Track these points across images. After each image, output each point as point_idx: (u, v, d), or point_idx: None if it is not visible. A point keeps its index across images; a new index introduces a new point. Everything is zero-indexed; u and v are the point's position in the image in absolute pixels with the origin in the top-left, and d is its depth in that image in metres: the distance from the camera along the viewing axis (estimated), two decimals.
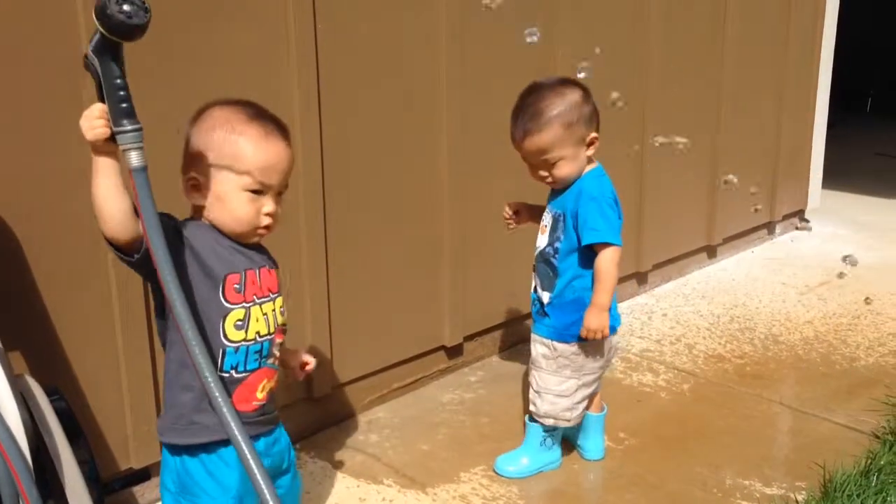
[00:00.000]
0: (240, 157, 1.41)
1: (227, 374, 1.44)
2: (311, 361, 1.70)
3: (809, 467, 2.15)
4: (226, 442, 1.42)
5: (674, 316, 3.27)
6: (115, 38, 1.20)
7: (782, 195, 4.22)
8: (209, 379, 1.25)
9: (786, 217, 4.35)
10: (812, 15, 4.15)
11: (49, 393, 1.35)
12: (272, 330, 1.50)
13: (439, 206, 2.55)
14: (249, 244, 1.49)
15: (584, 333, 2.02)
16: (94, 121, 1.25)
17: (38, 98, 1.69)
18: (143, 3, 1.19)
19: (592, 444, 2.25)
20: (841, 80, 4.45)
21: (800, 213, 4.50)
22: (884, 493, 1.97)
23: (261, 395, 1.49)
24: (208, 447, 1.45)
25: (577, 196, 2.02)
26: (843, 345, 2.99)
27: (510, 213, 2.23)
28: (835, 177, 4.80)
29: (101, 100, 1.25)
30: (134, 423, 1.92)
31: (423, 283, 2.58)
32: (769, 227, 4.26)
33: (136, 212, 1.28)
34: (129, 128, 1.24)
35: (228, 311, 1.43)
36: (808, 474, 2.13)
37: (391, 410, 2.50)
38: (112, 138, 1.25)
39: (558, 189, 2.07)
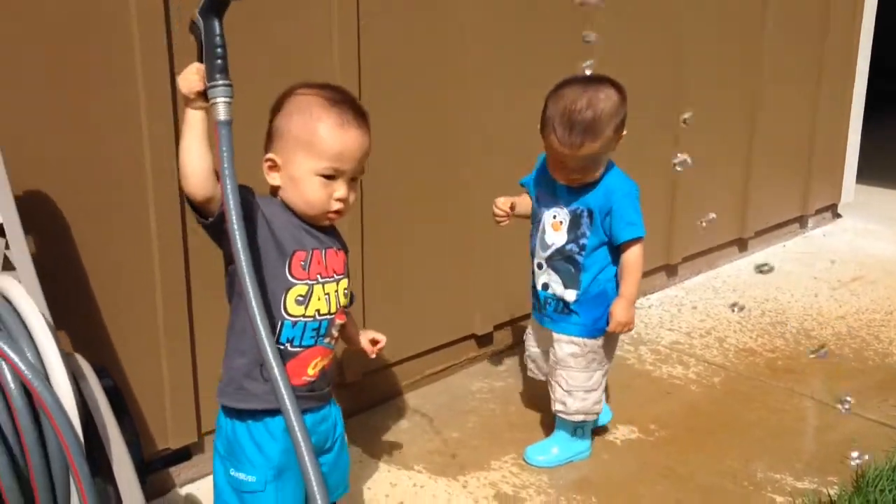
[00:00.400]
0: (315, 142, 1.44)
1: (281, 347, 1.46)
2: (381, 340, 1.78)
3: (841, 462, 2.14)
4: (273, 412, 1.45)
5: (704, 309, 3.25)
6: None
7: (816, 189, 4.17)
8: (266, 343, 1.25)
9: (818, 211, 4.31)
10: (851, 4, 4.08)
11: (97, 371, 1.38)
12: (333, 310, 1.52)
13: (472, 196, 2.56)
14: (321, 226, 1.52)
15: (613, 327, 2.03)
16: (190, 75, 1.34)
17: (89, 84, 1.72)
18: None
19: None
20: (874, 64, 4.34)
21: (833, 208, 4.45)
22: None
23: (312, 371, 1.51)
24: (256, 415, 1.47)
25: (605, 193, 2.02)
26: (876, 340, 2.97)
27: (505, 209, 2.16)
28: (869, 171, 4.73)
29: (201, 61, 1.33)
30: (173, 404, 1.95)
31: (454, 272, 2.59)
32: (801, 220, 4.22)
33: (216, 174, 1.32)
34: (221, 82, 1.30)
35: (291, 285, 1.46)
36: (840, 469, 2.12)
37: (422, 397, 2.53)
38: (204, 94, 1.32)
39: (574, 186, 2.03)
